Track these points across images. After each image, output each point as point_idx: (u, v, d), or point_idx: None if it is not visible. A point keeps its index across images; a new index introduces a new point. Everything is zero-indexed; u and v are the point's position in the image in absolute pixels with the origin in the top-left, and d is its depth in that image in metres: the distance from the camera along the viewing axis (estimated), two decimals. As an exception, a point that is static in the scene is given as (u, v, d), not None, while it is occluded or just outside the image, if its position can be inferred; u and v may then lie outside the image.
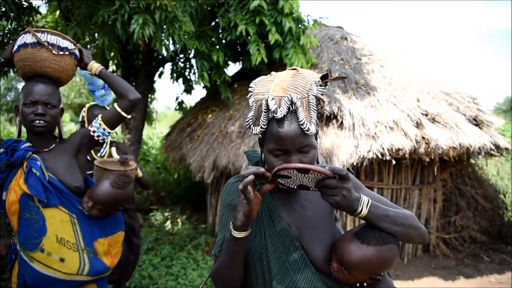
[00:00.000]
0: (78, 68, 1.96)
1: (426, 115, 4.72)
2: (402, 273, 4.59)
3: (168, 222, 5.80)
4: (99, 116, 1.91)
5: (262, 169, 1.01)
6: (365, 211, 1.06)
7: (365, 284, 1.15)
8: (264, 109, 1.05)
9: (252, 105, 1.12)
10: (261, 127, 1.07)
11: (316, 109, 1.07)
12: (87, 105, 2.81)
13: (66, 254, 1.76)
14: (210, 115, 5.69)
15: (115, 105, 1.91)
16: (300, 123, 1.03)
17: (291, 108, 1.04)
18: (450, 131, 4.57)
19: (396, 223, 1.11)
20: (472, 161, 5.77)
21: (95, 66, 1.90)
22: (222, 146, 4.97)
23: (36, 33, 1.74)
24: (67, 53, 1.81)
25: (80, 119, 2.82)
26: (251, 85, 1.15)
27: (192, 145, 5.40)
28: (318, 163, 1.22)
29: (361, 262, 1.08)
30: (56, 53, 1.78)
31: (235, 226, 1.05)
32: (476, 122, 5.07)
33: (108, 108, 2.65)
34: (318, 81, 1.09)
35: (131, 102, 1.89)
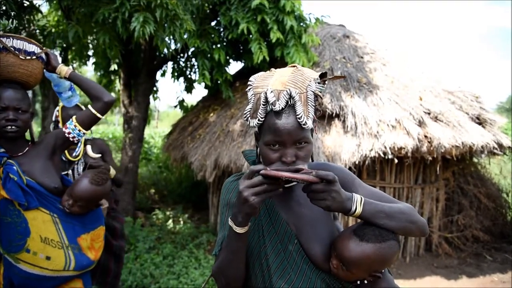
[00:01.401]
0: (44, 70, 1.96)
1: (429, 113, 4.70)
2: (404, 272, 4.58)
3: (170, 221, 5.80)
4: (74, 117, 1.92)
5: (260, 167, 1.01)
6: (359, 210, 1.06)
7: (365, 282, 1.15)
8: (263, 101, 1.06)
9: (250, 98, 1.13)
10: (259, 120, 1.08)
11: (313, 105, 1.08)
12: (60, 105, 2.79)
13: (52, 252, 1.80)
14: (211, 114, 5.68)
15: (89, 106, 1.92)
16: (297, 116, 1.03)
17: (289, 102, 1.04)
18: (452, 129, 4.55)
19: (392, 218, 1.10)
20: (475, 160, 5.75)
21: (64, 69, 1.90)
22: (224, 145, 4.96)
23: (1, 39, 1.74)
24: (34, 57, 1.82)
25: (53, 119, 2.79)
26: (250, 79, 1.16)
27: (193, 144, 5.40)
28: (313, 160, 1.24)
29: (360, 259, 1.07)
30: (23, 58, 1.77)
31: (238, 222, 1.05)
32: (479, 121, 5.04)
33: (82, 108, 2.66)
34: (317, 79, 1.10)
35: (106, 104, 1.91)
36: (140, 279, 3.89)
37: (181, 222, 5.82)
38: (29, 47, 1.81)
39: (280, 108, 1.03)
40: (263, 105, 1.06)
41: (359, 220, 1.13)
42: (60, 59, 1.97)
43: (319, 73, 1.12)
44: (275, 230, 1.17)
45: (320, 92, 1.09)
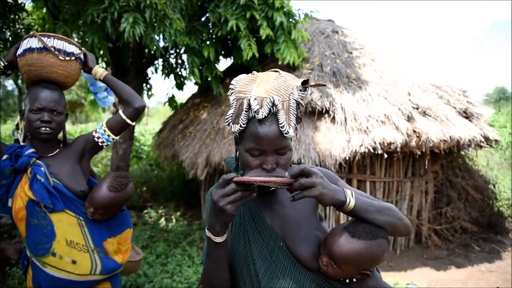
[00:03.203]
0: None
1: (417, 108, 4.76)
2: (395, 264, 4.66)
3: (162, 219, 5.80)
4: (104, 122, 1.92)
5: (232, 175, 1.02)
6: (353, 201, 1.07)
7: (354, 280, 1.16)
8: (246, 108, 1.05)
9: (232, 103, 1.12)
10: (241, 126, 1.07)
11: (295, 113, 1.08)
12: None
13: (77, 256, 1.79)
14: (202, 112, 5.67)
15: (120, 111, 1.92)
16: (280, 125, 1.04)
17: (272, 110, 1.05)
18: (440, 124, 4.62)
19: (382, 214, 1.12)
20: (462, 153, 5.85)
21: (99, 71, 1.90)
22: (215, 143, 4.96)
23: (42, 38, 1.73)
24: (73, 58, 1.81)
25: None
26: (232, 82, 1.15)
27: (184, 142, 5.39)
28: (291, 165, 1.24)
29: (351, 256, 1.08)
30: (63, 58, 1.77)
31: (216, 232, 1.06)
32: (466, 115, 5.13)
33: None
34: (299, 86, 1.10)
35: (137, 110, 1.90)
36: (133, 278, 3.89)
37: (174, 220, 5.82)
38: (69, 47, 1.80)
39: (263, 116, 1.03)
40: (245, 111, 1.06)
41: (349, 218, 1.14)
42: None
43: (301, 80, 1.12)
44: (260, 234, 1.18)
45: (302, 99, 1.10)
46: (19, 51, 1.76)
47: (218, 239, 1.06)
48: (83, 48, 1.88)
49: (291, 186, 1.02)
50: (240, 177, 0.99)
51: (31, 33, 1.76)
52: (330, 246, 1.11)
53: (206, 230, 1.08)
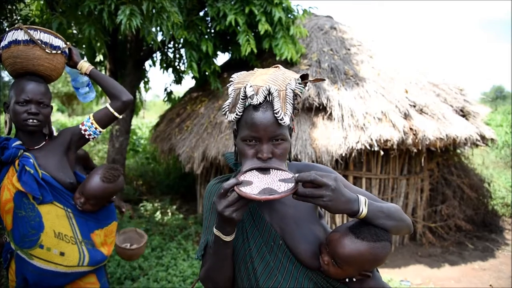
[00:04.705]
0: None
1: (414, 106, 4.76)
2: (389, 261, 4.69)
3: (158, 212, 5.80)
4: (91, 115, 1.92)
5: (232, 183, 0.99)
6: (365, 211, 1.06)
7: (354, 280, 1.15)
8: (242, 96, 1.06)
9: (230, 93, 1.13)
10: (237, 114, 1.08)
11: (292, 103, 1.08)
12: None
13: (66, 247, 1.79)
14: (199, 106, 5.66)
15: (108, 105, 1.93)
16: (274, 111, 1.04)
17: (268, 98, 1.05)
18: (437, 122, 4.63)
19: (389, 218, 1.12)
20: (459, 151, 5.87)
21: (85, 65, 1.91)
22: (212, 137, 4.96)
23: (29, 31, 1.72)
24: (59, 51, 1.81)
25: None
26: (233, 76, 1.17)
27: (181, 136, 5.38)
28: (290, 160, 1.24)
29: (354, 256, 1.08)
30: (49, 51, 1.77)
31: (226, 232, 1.05)
32: (463, 113, 5.15)
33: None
34: (298, 79, 1.11)
35: (124, 103, 1.92)
36: (128, 271, 3.90)
37: (169, 214, 5.83)
38: (55, 41, 1.80)
39: (258, 102, 1.03)
40: (242, 99, 1.06)
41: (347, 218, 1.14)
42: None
43: (300, 74, 1.13)
44: (259, 232, 1.17)
45: (300, 92, 1.10)
46: (3, 43, 1.75)
47: (228, 238, 1.06)
48: (68, 43, 1.89)
49: (295, 192, 1.00)
50: (242, 191, 0.97)
51: (16, 25, 1.75)
52: (333, 245, 1.10)
53: (215, 229, 1.06)
